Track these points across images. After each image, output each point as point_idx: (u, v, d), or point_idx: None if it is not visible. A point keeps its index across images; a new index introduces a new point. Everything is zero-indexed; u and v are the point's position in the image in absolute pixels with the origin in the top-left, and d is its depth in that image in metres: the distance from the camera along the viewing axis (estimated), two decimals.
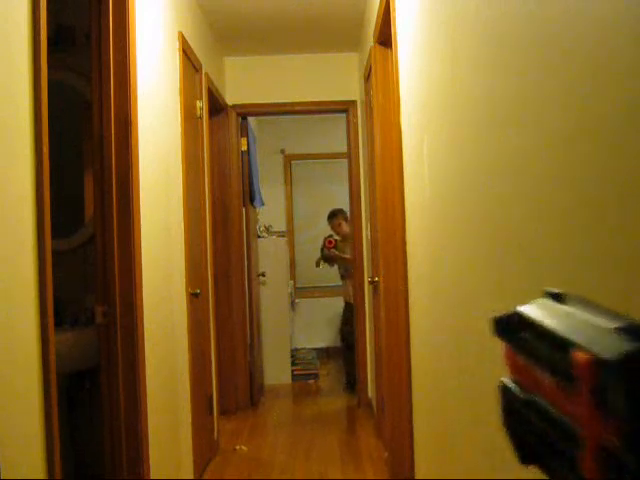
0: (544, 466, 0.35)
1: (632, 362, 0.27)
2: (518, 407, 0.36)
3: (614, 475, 0.27)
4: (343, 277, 5.72)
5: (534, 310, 0.35)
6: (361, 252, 5.02)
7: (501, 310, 0.39)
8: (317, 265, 5.98)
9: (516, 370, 0.36)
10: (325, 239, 5.69)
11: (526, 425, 0.35)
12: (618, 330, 0.29)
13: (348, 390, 5.49)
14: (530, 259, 1.13)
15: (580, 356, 0.29)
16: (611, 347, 0.28)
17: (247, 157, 5.24)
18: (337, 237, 5.67)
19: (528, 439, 0.35)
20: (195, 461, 3.35)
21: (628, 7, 0.75)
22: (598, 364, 0.28)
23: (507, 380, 0.37)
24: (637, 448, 0.27)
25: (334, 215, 5.74)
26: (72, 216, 3.17)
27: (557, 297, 0.35)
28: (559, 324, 0.32)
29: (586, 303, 0.34)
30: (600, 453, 0.28)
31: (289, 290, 6.19)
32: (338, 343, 7.23)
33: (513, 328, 0.36)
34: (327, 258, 5.71)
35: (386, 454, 3.60)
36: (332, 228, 5.74)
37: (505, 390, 0.37)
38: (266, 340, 5.80)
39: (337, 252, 5.59)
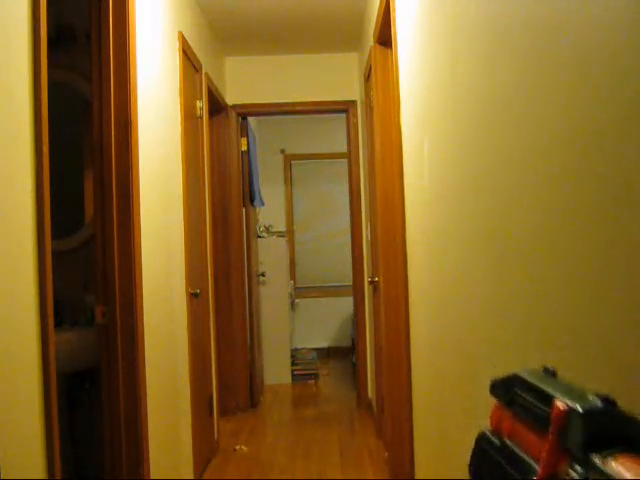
0: None
1: (594, 415, 0.36)
2: (491, 451, 0.45)
3: None
4: None
5: (528, 374, 0.44)
6: (361, 252, 5.02)
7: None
8: None
9: (499, 422, 0.45)
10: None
11: (492, 467, 0.44)
12: (592, 396, 0.38)
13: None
14: (529, 258, 1.13)
15: (559, 404, 0.37)
16: (583, 404, 0.37)
17: (247, 157, 5.24)
18: None
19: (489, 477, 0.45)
20: (195, 461, 3.35)
21: (628, 6, 0.75)
22: (570, 412, 0.37)
23: (487, 430, 0.46)
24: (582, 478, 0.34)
25: None
26: (72, 216, 3.18)
27: (550, 372, 0.45)
28: (547, 385, 0.41)
29: (570, 382, 0.43)
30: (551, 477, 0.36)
31: (289, 290, 6.19)
32: (338, 343, 7.25)
33: (507, 387, 0.45)
34: None
35: (386, 454, 3.60)
36: None
37: (483, 437, 0.47)
38: (266, 340, 5.80)
39: None
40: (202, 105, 3.90)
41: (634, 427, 0.36)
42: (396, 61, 2.68)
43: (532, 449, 0.40)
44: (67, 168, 3.10)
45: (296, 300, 7.14)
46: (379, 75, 3.41)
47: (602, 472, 0.33)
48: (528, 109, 1.11)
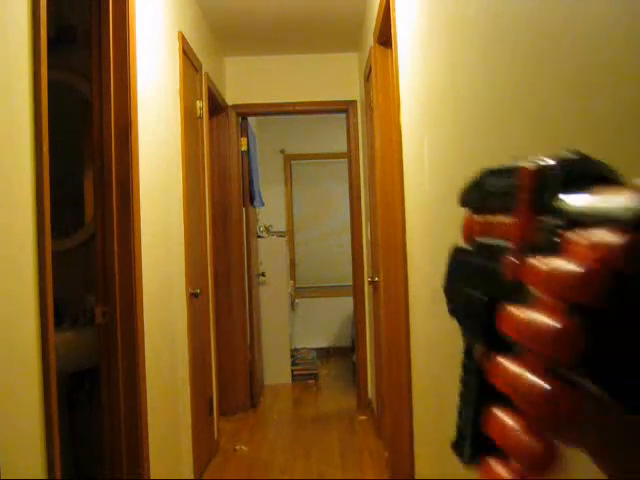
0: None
1: (570, 164, 0.29)
2: (465, 259, 0.36)
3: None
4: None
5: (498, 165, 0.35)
6: (361, 252, 5.02)
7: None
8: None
9: (470, 231, 0.36)
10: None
11: (468, 273, 0.36)
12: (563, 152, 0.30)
13: None
14: None
15: (526, 165, 0.30)
16: (555, 160, 0.29)
17: (247, 157, 5.24)
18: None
19: (463, 294, 0.36)
20: (195, 461, 3.35)
21: (628, 7, 0.75)
22: (541, 170, 0.29)
23: (459, 243, 0.37)
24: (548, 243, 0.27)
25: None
26: (72, 216, 3.17)
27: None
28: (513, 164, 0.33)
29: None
30: (523, 248, 0.29)
31: (289, 290, 6.19)
32: (338, 343, 7.25)
33: (477, 190, 0.36)
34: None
35: (386, 454, 3.60)
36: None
37: (455, 250, 0.38)
38: (266, 340, 5.80)
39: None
40: (202, 105, 3.90)
41: (612, 174, 0.30)
42: (396, 61, 2.69)
43: (506, 233, 0.32)
44: (67, 168, 3.10)
45: (296, 300, 7.14)
46: (379, 75, 3.41)
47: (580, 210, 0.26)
48: (529, 108, 1.11)
